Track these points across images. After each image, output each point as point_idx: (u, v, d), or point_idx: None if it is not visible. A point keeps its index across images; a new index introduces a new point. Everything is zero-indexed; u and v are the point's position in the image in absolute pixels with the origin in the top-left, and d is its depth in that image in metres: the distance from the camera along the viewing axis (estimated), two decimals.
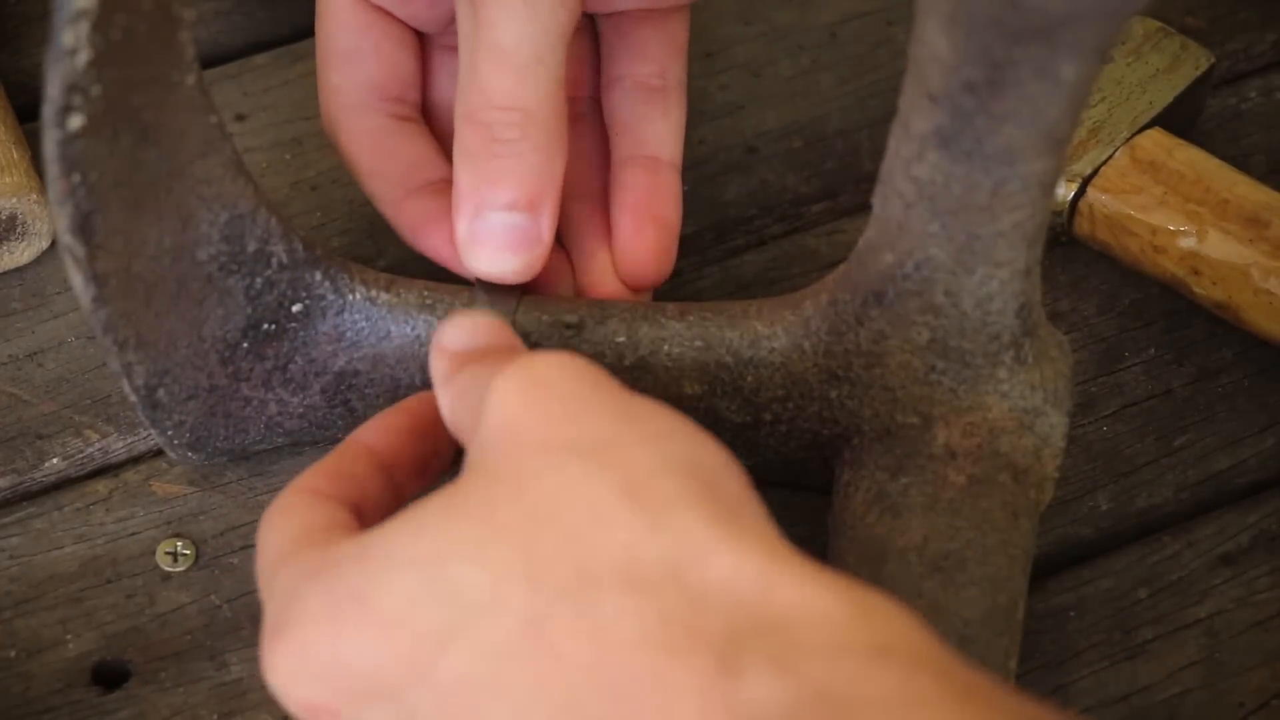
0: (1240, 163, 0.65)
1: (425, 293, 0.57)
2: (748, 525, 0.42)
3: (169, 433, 0.57)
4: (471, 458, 0.46)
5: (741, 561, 0.41)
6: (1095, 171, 0.64)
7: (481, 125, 0.55)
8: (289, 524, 0.48)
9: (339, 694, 0.43)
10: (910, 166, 0.49)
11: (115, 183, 0.48)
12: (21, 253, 0.65)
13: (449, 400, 0.50)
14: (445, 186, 0.60)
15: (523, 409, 0.45)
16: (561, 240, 0.61)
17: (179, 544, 0.59)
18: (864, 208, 0.54)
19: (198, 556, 0.59)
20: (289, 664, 0.44)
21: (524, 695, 0.41)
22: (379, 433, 0.53)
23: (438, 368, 0.51)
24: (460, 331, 0.51)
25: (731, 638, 0.39)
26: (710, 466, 0.44)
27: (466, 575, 0.42)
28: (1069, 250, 0.66)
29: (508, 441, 0.44)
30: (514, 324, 0.56)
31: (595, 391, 0.45)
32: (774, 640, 0.39)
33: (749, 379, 0.56)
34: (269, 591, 0.46)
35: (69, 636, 0.57)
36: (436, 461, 0.53)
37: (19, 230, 0.64)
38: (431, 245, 0.59)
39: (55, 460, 0.61)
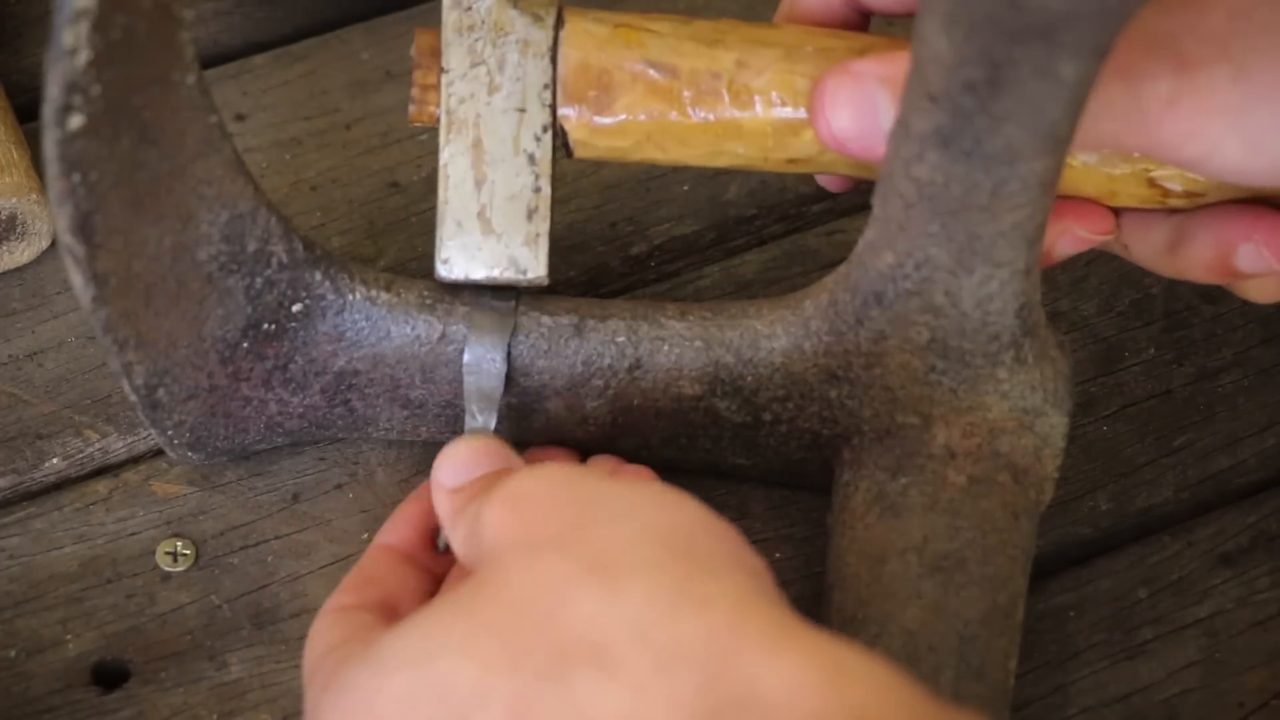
0: None
1: (425, 293, 0.57)
2: (722, 583, 0.43)
3: (169, 433, 0.57)
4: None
5: (711, 623, 0.41)
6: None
7: None
8: (315, 647, 0.50)
9: None
10: (910, 166, 0.49)
11: (115, 182, 0.48)
12: (21, 253, 0.65)
13: (458, 548, 0.51)
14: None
15: (505, 525, 0.46)
16: None
17: (179, 544, 0.59)
18: (864, 208, 0.54)
19: (198, 556, 0.59)
20: None
21: None
22: (395, 530, 0.56)
23: (441, 508, 0.53)
24: (454, 466, 0.52)
25: (707, 712, 0.40)
26: (686, 528, 0.45)
27: (455, 670, 0.43)
28: None
29: (494, 554, 0.46)
30: (515, 325, 0.56)
31: (570, 489, 0.47)
32: (749, 716, 0.40)
33: (749, 379, 0.56)
34: (306, 705, 0.49)
35: (69, 636, 0.57)
36: None
37: (19, 230, 0.64)
38: None
39: (55, 460, 0.61)
